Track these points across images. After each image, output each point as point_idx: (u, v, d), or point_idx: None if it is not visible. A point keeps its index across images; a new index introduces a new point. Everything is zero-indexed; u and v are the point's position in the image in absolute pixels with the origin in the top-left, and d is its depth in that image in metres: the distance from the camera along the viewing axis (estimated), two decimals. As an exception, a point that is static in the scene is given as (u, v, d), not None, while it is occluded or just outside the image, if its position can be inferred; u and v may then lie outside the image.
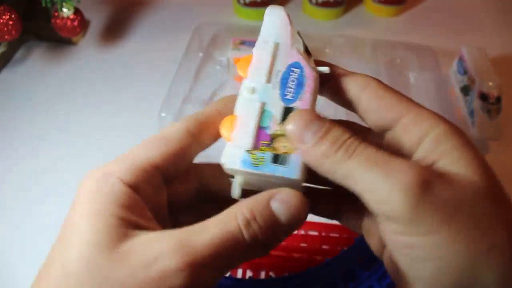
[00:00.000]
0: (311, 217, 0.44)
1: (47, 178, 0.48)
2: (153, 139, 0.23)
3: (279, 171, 0.22)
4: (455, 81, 0.58)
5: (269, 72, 0.24)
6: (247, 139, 0.23)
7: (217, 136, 0.25)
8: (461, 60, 0.57)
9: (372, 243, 0.26)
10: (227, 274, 0.39)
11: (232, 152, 0.22)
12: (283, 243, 0.41)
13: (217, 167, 0.24)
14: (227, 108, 0.25)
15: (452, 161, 0.21)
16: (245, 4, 0.68)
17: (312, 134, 0.21)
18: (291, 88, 0.24)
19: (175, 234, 0.20)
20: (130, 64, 0.62)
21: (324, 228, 0.43)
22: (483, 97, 0.51)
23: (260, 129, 0.23)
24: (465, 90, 0.55)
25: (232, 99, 0.25)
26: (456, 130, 0.22)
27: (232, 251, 0.20)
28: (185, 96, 0.55)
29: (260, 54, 0.25)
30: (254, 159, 0.22)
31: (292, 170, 0.22)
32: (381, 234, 0.22)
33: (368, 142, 0.21)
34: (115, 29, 0.68)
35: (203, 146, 0.25)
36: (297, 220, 0.22)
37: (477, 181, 0.20)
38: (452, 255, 0.19)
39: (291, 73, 0.25)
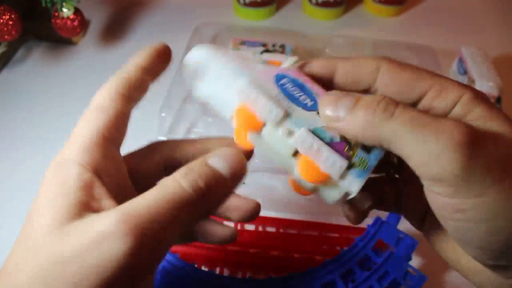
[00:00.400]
0: (311, 217, 0.44)
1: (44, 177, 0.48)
2: (91, 112, 0.23)
3: (374, 157, 0.22)
4: (455, 81, 0.58)
5: (274, 104, 0.22)
6: (338, 160, 0.22)
7: (145, 90, 0.25)
8: (461, 60, 0.57)
9: (412, 217, 0.26)
10: (227, 274, 0.39)
11: (344, 182, 0.22)
12: (283, 243, 0.41)
13: (179, 142, 0.24)
14: (151, 62, 0.25)
15: (489, 122, 0.20)
16: (245, 4, 0.68)
17: (345, 107, 0.21)
18: (300, 94, 0.23)
19: (119, 206, 0.19)
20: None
21: (324, 228, 0.43)
22: (483, 97, 0.51)
23: (331, 144, 0.22)
24: (465, 90, 0.55)
25: (152, 51, 0.25)
26: (483, 95, 0.21)
27: (175, 209, 0.19)
28: (185, 96, 0.55)
29: (250, 99, 0.23)
30: (359, 166, 0.22)
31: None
32: (429, 201, 0.21)
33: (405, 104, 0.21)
34: (115, 29, 0.68)
35: (135, 102, 0.25)
36: (236, 170, 0.22)
37: None
38: (505, 215, 0.19)
39: (285, 86, 0.23)
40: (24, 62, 0.62)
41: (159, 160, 0.24)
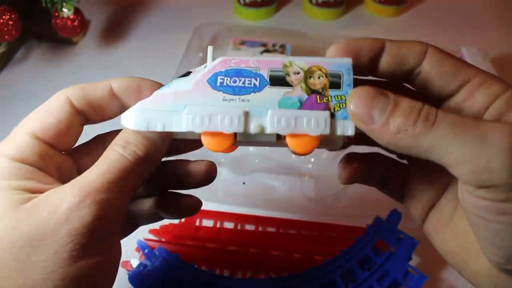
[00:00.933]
0: (311, 217, 0.44)
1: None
2: (36, 111, 0.24)
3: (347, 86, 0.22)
4: (455, 81, 0.58)
5: (228, 114, 0.22)
6: (319, 117, 0.22)
7: (107, 116, 0.25)
8: None
9: (415, 210, 0.26)
10: (227, 274, 0.39)
11: (337, 132, 0.22)
12: (283, 243, 0.41)
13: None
14: (124, 90, 0.25)
15: None
16: (245, 4, 0.68)
17: (380, 110, 0.20)
18: (242, 81, 0.22)
19: (72, 181, 0.22)
20: (130, 64, 0.62)
21: (324, 228, 0.43)
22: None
23: (302, 106, 0.22)
24: (465, 90, 0.55)
25: (131, 83, 0.25)
26: None
27: (122, 173, 0.22)
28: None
29: (206, 125, 0.22)
30: (340, 106, 0.22)
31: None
32: (467, 203, 0.20)
33: (444, 109, 0.20)
34: (115, 29, 0.68)
35: (91, 121, 0.26)
36: (164, 133, 0.23)
37: None
38: None
39: (224, 84, 0.23)
40: (24, 62, 0.62)
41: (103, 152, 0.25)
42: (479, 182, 0.19)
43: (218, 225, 0.44)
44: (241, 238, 0.42)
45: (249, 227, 0.44)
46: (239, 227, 0.44)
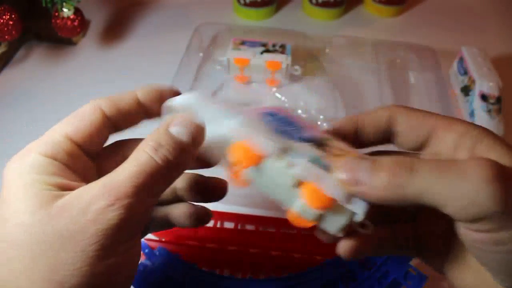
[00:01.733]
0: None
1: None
2: (70, 116, 0.26)
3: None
4: (455, 81, 0.58)
5: (272, 139, 0.23)
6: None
7: (132, 121, 0.28)
8: (461, 60, 0.57)
9: (431, 258, 0.26)
10: (227, 274, 0.39)
11: (349, 205, 0.22)
12: (283, 243, 0.41)
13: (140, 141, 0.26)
14: (148, 98, 0.27)
15: (500, 155, 0.21)
16: (245, 4, 0.68)
17: (364, 171, 0.21)
18: (289, 129, 0.24)
19: (100, 181, 0.22)
20: (130, 64, 0.62)
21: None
22: (484, 97, 0.51)
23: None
24: (465, 90, 0.55)
25: (154, 91, 0.27)
26: (490, 131, 0.22)
27: (151, 177, 0.23)
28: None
29: (248, 136, 0.23)
30: None
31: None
32: (465, 237, 0.22)
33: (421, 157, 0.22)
34: (115, 29, 0.68)
35: (119, 128, 0.28)
36: (196, 135, 0.25)
37: None
38: None
39: (274, 123, 0.24)
40: (24, 62, 0.62)
41: (122, 158, 0.25)
42: (470, 217, 0.20)
43: (218, 225, 0.44)
44: (241, 238, 0.42)
45: (249, 227, 0.44)
46: (239, 227, 0.44)
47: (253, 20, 0.70)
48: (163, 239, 0.42)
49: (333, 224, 0.23)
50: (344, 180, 0.22)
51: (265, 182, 0.24)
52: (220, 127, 0.24)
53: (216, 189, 0.31)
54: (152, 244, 0.39)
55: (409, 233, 0.27)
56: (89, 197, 0.22)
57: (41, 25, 0.62)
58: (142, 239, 0.40)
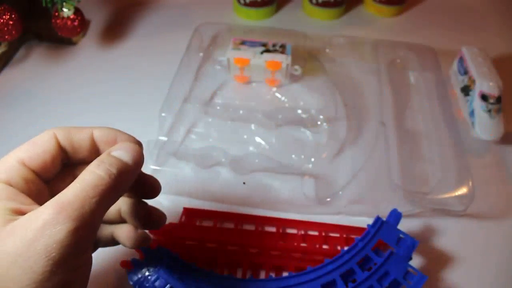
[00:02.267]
0: (311, 217, 0.44)
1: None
2: (26, 143, 0.28)
3: None
4: (455, 81, 0.58)
5: None
6: None
7: (83, 158, 0.29)
8: (461, 60, 0.57)
9: None
10: (227, 274, 0.39)
11: None
12: (283, 243, 0.41)
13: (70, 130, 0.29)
14: (102, 139, 0.29)
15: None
16: (245, 4, 0.68)
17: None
18: None
19: (49, 200, 0.24)
20: (130, 64, 0.62)
21: (324, 228, 0.43)
22: (484, 97, 0.51)
23: None
24: (465, 90, 0.55)
25: (111, 133, 0.29)
26: None
27: (97, 190, 0.24)
28: (186, 96, 0.55)
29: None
30: None
31: None
32: None
33: None
34: (115, 29, 0.68)
35: (71, 159, 0.30)
36: (137, 159, 0.28)
37: None
38: None
39: None
40: (24, 62, 0.62)
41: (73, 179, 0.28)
42: None
43: (218, 225, 0.44)
44: (241, 238, 0.42)
45: (249, 226, 0.44)
46: (239, 227, 0.43)
47: (253, 20, 0.70)
48: (163, 239, 0.42)
49: None
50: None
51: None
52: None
53: (154, 220, 0.34)
54: (151, 244, 0.39)
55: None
56: (36, 215, 0.23)
57: (41, 25, 0.62)
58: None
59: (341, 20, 0.72)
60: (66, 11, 0.57)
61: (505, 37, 0.68)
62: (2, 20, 0.53)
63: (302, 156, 0.49)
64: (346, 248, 0.39)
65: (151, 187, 0.32)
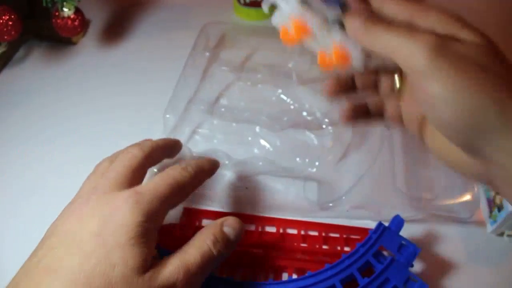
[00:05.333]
0: (311, 217, 0.44)
1: (46, 179, 0.48)
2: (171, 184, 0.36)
3: None
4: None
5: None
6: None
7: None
8: None
9: (413, 126, 0.33)
10: (227, 274, 0.39)
11: None
12: (282, 243, 0.41)
13: None
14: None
15: (458, 32, 0.26)
16: (245, 4, 0.68)
17: (364, 22, 0.28)
18: None
19: (176, 257, 0.32)
20: (132, 64, 0.61)
21: (324, 228, 0.43)
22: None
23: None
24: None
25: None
26: (461, 19, 0.27)
27: (208, 263, 0.33)
28: (191, 97, 0.54)
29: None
30: None
31: None
32: (416, 99, 0.27)
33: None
34: (116, 29, 0.67)
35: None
36: (239, 236, 0.36)
37: (481, 43, 0.26)
38: (465, 100, 0.24)
39: None
40: (24, 62, 0.62)
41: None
42: (409, 66, 0.25)
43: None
44: (241, 237, 0.42)
45: (249, 227, 0.44)
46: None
47: (253, 20, 0.70)
48: (163, 239, 0.42)
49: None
50: (349, 27, 0.29)
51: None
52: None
53: None
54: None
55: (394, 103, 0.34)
56: (168, 275, 0.31)
57: (41, 25, 0.62)
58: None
59: (341, 19, 0.71)
60: (66, 11, 0.57)
61: (507, 36, 0.68)
62: (1, 20, 0.53)
63: (307, 160, 0.48)
64: (346, 248, 0.39)
65: None
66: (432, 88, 0.24)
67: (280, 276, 0.40)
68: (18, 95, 0.57)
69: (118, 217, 0.30)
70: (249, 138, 0.51)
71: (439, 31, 0.26)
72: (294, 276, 0.39)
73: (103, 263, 0.28)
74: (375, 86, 0.35)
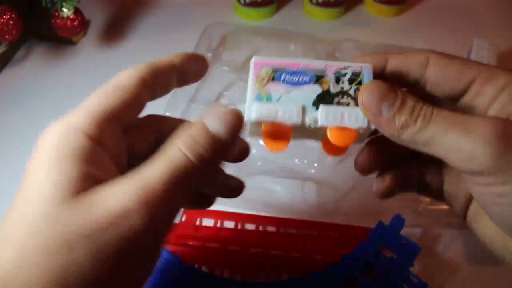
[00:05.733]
0: (311, 217, 0.44)
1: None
2: (109, 88, 0.23)
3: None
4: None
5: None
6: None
7: (168, 87, 0.25)
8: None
9: (456, 205, 0.27)
10: (227, 275, 0.39)
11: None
12: (283, 243, 0.41)
13: (176, 121, 0.25)
14: (182, 63, 0.26)
15: None
16: (246, 4, 0.68)
17: (389, 106, 0.22)
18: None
19: (129, 181, 0.20)
20: (131, 64, 0.61)
21: (324, 228, 0.43)
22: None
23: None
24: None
25: (188, 56, 0.26)
26: None
27: (186, 178, 0.21)
28: (191, 96, 0.54)
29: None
30: None
31: None
32: (470, 191, 0.23)
33: (440, 107, 0.22)
34: (116, 29, 0.67)
35: (155, 95, 0.25)
36: (235, 130, 0.22)
37: None
38: None
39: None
40: (24, 62, 0.62)
41: (152, 137, 0.25)
42: (468, 169, 0.21)
43: (218, 225, 0.44)
44: (241, 237, 0.42)
45: (250, 226, 0.44)
46: (239, 227, 0.44)
47: (253, 20, 0.70)
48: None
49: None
50: (367, 107, 0.23)
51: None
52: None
53: (234, 188, 0.30)
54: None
55: (437, 179, 0.28)
56: (115, 197, 0.20)
57: (41, 25, 0.62)
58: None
59: (341, 20, 0.71)
60: (66, 11, 0.57)
61: (508, 35, 0.68)
62: (2, 20, 0.53)
63: (305, 161, 0.48)
64: (347, 248, 0.39)
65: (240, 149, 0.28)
66: (502, 189, 0.21)
67: (280, 276, 0.40)
68: (18, 95, 0.57)
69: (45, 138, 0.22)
70: (248, 139, 0.51)
71: (501, 109, 0.22)
72: (294, 276, 0.39)
73: (18, 200, 0.21)
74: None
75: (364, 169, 0.28)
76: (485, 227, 0.25)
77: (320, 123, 0.25)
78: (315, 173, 0.47)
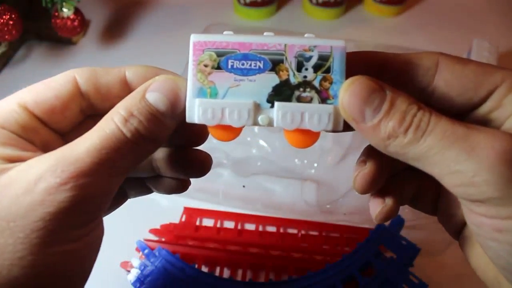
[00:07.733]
0: (311, 217, 0.44)
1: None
2: (36, 84, 0.22)
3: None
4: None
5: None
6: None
7: (112, 105, 0.21)
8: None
9: (448, 225, 0.23)
10: (227, 274, 0.39)
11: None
12: (283, 243, 0.41)
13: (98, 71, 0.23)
14: (138, 79, 0.22)
15: None
16: (245, 4, 0.68)
17: (374, 110, 0.18)
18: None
19: (54, 152, 0.19)
20: (132, 64, 0.61)
21: (324, 228, 0.43)
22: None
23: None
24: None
25: (148, 71, 0.23)
26: None
27: (116, 152, 0.19)
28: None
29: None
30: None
31: None
32: (465, 218, 0.19)
33: (439, 113, 0.18)
34: (115, 29, 0.67)
35: (95, 108, 0.23)
36: (175, 103, 0.20)
37: None
38: None
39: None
40: (24, 62, 0.62)
41: (78, 110, 0.23)
42: (467, 196, 0.18)
43: (218, 225, 0.44)
44: (241, 237, 0.42)
45: (250, 226, 0.44)
46: (239, 227, 0.44)
47: (253, 20, 0.70)
48: (163, 239, 0.42)
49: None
50: (347, 111, 0.19)
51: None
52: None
53: (198, 163, 0.26)
54: (151, 244, 0.39)
55: (432, 195, 0.24)
56: (38, 173, 0.18)
57: (41, 25, 0.62)
58: (141, 240, 0.40)
59: (341, 19, 0.71)
60: (66, 11, 0.57)
61: (508, 35, 0.68)
62: (2, 20, 0.53)
63: (305, 161, 0.48)
64: (347, 249, 0.39)
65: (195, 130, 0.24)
66: (504, 224, 0.17)
67: (280, 276, 0.40)
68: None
69: None
70: (248, 139, 0.51)
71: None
72: (294, 276, 0.39)
73: None
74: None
75: (364, 191, 0.23)
76: (478, 258, 0.22)
77: (276, 125, 0.20)
78: (315, 173, 0.47)
